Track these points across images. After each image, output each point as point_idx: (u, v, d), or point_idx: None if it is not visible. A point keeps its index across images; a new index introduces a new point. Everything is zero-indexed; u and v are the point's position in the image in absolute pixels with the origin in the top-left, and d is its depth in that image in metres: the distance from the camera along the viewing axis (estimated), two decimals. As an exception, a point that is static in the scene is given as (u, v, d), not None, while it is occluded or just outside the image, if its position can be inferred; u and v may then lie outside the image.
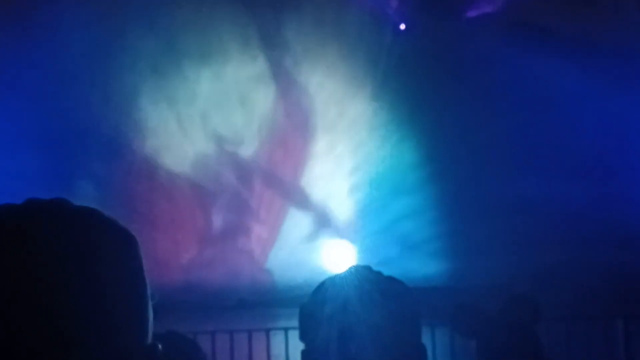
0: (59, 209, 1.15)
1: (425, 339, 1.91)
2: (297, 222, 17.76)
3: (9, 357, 1.05)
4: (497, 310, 3.94)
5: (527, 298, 4.22)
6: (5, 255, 1.08)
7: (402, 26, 16.94)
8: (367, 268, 1.90)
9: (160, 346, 1.18)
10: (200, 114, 17.14)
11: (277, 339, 7.56)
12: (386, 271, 1.92)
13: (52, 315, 1.07)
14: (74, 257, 1.10)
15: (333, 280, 1.89)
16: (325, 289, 1.87)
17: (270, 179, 18.17)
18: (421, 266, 16.03)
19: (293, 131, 17.79)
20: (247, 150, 17.90)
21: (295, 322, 1.94)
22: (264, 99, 17.36)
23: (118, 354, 1.11)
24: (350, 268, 1.90)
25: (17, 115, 15.30)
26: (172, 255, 15.99)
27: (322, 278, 1.93)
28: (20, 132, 15.43)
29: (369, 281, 1.85)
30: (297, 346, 1.92)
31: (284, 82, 17.44)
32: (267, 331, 7.77)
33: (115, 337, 1.11)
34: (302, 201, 17.99)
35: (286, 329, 7.35)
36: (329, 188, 17.91)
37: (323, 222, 17.78)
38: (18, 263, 1.07)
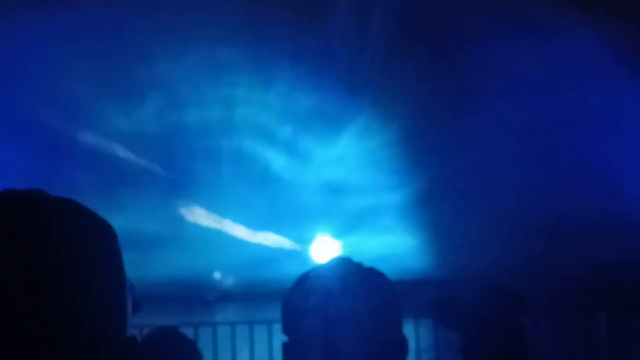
0: (36, 200, 1.14)
1: (409, 332, 1.92)
2: (279, 216, 17.79)
3: None
4: (481, 301, 3.94)
5: (510, 289, 4.21)
6: None
7: None
8: (348, 260, 1.90)
9: (138, 339, 1.17)
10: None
11: (261, 332, 7.57)
12: (369, 264, 1.92)
13: (27, 305, 1.06)
14: (50, 247, 1.09)
15: (315, 272, 1.89)
16: (307, 281, 1.87)
17: (254, 174, 18.17)
18: (406, 259, 16.09)
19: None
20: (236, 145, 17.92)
21: (278, 315, 1.94)
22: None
23: (94, 345, 1.10)
24: (331, 260, 1.89)
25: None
26: (154, 249, 15.98)
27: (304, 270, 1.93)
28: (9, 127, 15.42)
29: (351, 273, 1.85)
30: (280, 339, 1.93)
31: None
32: (251, 324, 7.78)
33: (91, 328, 1.10)
34: (284, 195, 18.01)
35: (270, 322, 7.36)
36: (313, 181, 17.93)
37: (305, 215, 17.83)
38: None
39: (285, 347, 1.88)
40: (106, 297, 1.13)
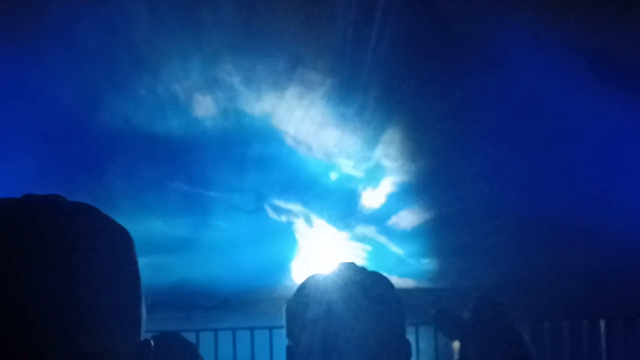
0: (56, 205, 1.16)
1: (410, 337, 1.92)
2: (280, 221, 17.76)
3: (3, 349, 1.06)
4: (479, 313, 3.96)
5: (491, 299, 4.21)
6: (2, 248, 1.08)
7: None
8: (352, 264, 1.91)
9: (152, 343, 1.19)
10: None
11: (262, 338, 7.58)
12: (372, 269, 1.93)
13: (46, 310, 1.07)
14: (70, 252, 1.11)
15: (318, 277, 1.89)
16: (310, 285, 1.87)
17: (254, 178, 18.15)
18: (405, 266, 16.09)
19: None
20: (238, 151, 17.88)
21: (278, 322, 1.94)
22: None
23: (111, 350, 1.11)
24: (335, 264, 1.90)
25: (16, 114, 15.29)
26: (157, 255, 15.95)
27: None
28: (19, 131, 15.41)
29: (354, 277, 1.86)
30: (281, 345, 1.93)
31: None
32: (252, 330, 7.79)
33: (108, 333, 1.11)
34: (286, 200, 17.98)
35: (271, 328, 7.37)
36: (314, 188, 17.92)
37: (306, 221, 17.81)
38: (15, 257, 1.08)
39: (289, 350, 1.89)
40: (124, 301, 1.15)
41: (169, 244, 16.81)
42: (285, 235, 18.04)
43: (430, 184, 17.03)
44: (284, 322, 1.91)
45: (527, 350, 3.86)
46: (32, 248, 1.09)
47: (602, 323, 7.70)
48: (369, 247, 17.43)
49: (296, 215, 18.40)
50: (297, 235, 18.27)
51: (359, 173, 18.31)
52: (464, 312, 4.00)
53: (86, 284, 1.10)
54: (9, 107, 15.35)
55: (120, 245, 1.18)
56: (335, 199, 18.16)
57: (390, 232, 17.67)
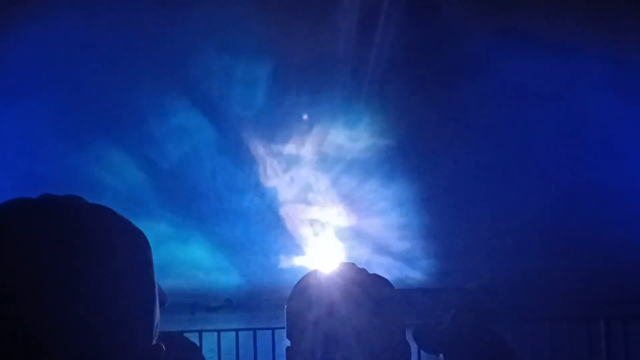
0: (74, 205, 1.17)
1: (410, 338, 1.93)
2: (283, 226, 17.78)
3: (17, 349, 1.07)
4: (448, 323, 3.95)
5: (466, 305, 4.18)
6: (19, 248, 1.09)
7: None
8: (353, 265, 1.94)
9: (164, 347, 1.19)
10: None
11: (265, 338, 7.58)
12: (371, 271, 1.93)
13: (62, 310, 1.08)
14: (87, 254, 1.12)
15: (319, 277, 1.90)
16: (311, 286, 1.86)
17: (258, 186, 18.18)
18: (409, 267, 16.10)
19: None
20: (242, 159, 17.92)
21: (278, 323, 1.95)
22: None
23: (123, 352, 1.12)
24: (335, 265, 1.92)
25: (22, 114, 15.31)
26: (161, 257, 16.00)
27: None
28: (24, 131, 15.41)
29: (355, 278, 1.87)
30: (283, 345, 1.93)
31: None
32: (254, 331, 7.78)
33: (122, 336, 1.12)
34: (289, 204, 18.01)
35: (273, 329, 7.37)
36: (314, 192, 17.92)
37: (308, 225, 17.81)
38: (32, 257, 1.09)
39: (289, 351, 1.91)
40: (138, 304, 1.15)
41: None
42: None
43: (430, 185, 17.04)
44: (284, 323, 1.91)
45: (510, 349, 3.86)
46: (49, 248, 1.10)
47: (602, 323, 7.70)
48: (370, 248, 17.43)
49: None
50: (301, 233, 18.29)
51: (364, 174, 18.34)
52: (442, 324, 3.99)
53: (102, 285, 1.11)
54: None
55: (137, 247, 1.18)
56: (335, 206, 18.17)
57: (389, 233, 17.67)
